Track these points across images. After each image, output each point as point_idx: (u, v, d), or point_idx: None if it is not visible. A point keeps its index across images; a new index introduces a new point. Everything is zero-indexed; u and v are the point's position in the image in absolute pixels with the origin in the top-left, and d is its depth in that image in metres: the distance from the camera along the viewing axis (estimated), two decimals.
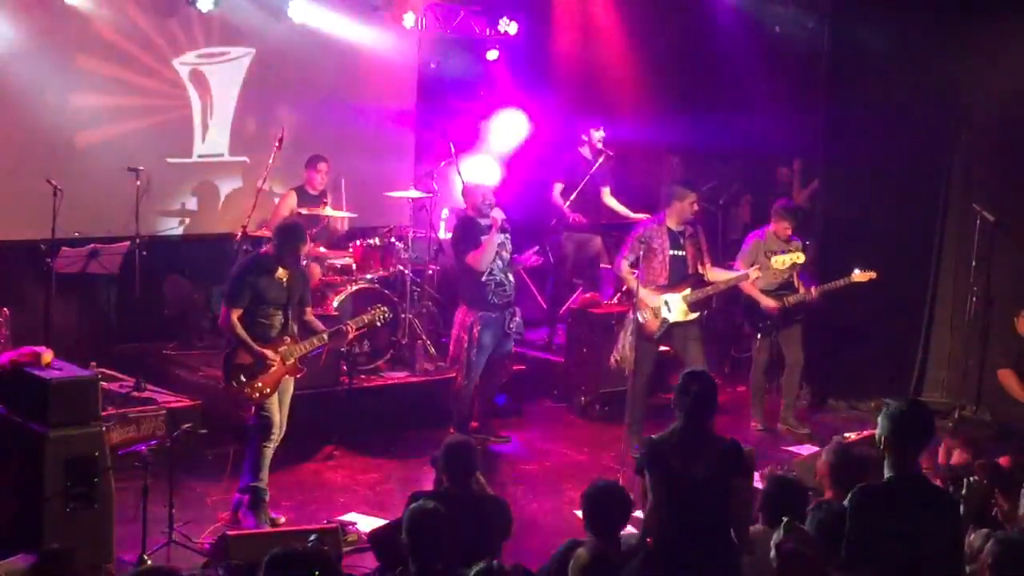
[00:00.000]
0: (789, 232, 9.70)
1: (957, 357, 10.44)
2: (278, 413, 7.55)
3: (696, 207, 9.13)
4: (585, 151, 11.16)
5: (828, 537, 5.04)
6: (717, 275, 9.23)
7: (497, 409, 9.76)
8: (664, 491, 5.34)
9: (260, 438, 7.53)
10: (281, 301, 7.52)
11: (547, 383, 10.72)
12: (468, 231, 9.14)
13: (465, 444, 6.12)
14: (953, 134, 10.60)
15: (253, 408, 7.54)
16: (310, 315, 7.84)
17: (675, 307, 8.96)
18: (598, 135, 11.10)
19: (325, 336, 7.72)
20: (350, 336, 7.94)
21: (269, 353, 7.43)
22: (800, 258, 9.47)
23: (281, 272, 7.51)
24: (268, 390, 7.45)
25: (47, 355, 6.89)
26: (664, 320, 8.96)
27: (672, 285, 8.97)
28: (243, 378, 7.41)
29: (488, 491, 6.22)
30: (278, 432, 7.58)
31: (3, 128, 9.67)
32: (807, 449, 9.13)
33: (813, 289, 9.61)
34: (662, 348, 9.21)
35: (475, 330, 9.05)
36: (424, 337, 10.37)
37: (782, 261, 9.41)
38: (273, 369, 7.46)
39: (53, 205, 8.77)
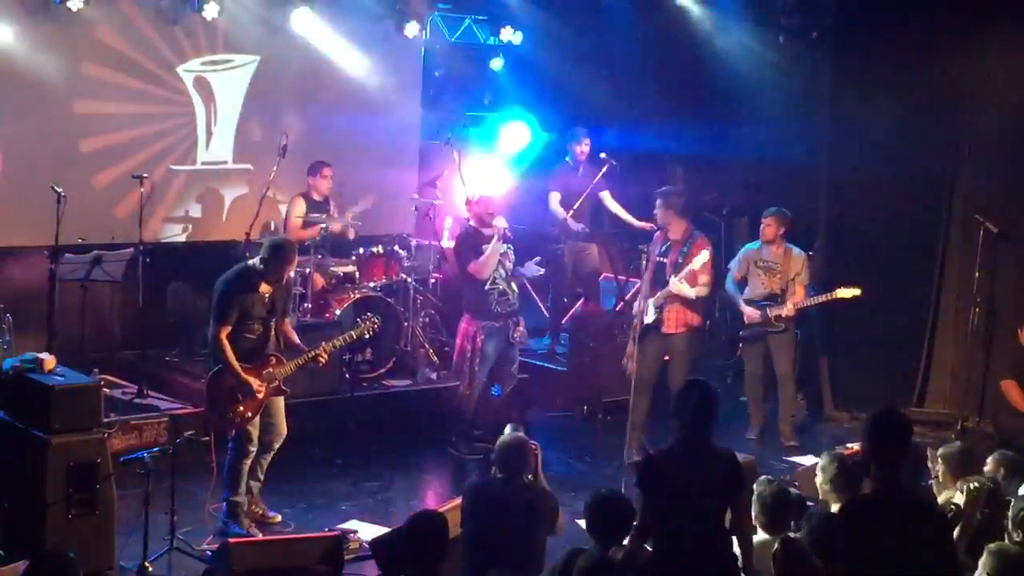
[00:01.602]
0: (772, 232, 9.64)
1: (960, 368, 10.42)
2: (257, 429, 7.50)
3: (661, 211, 9.09)
4: (569, 161, 11.23)
5: (821, 545, 5.04)
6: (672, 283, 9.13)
7: (496, 404, 9.71)
8: (661, 508, 5.32)
9: (238, 454, 7.50)
10: (264, 315, 7.50)
11: (549, 392, 10.69)
12: (470, 241, 9.15)
13: (516, 443, 6.27)
14: (956, 145, 10.57)
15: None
16: (287, 325, 7.80)
17: (648, 310, 9.07)
18: (580, 148, 11.14)
19: (309, 355, 7.65)
20: (325, 357, 7.81)
21: (255, 382, 7.37)
22: (856, 293, 9.50)
23: (265, 287, 7.47)
24: (250, 415, 7.40)
25: (50, 361, 6.90)
26: (643, 322, 9.04)
27: (654, 290, 9.09)
28: (226, 403, 7.37)
29: (544, 487, 6.38)
30: (256, 446, 7.52)
31: (8, 134, 9.68)
32: (809, 460, 9.10)
33: (790, 303, 9.57)
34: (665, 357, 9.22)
35: (478, 340, 9.05)
36: (427, 345, 10.36)
37: (847, 293, 9.47)
38: (258, 395, 7.42)
39: (57, 211, 8.74)
